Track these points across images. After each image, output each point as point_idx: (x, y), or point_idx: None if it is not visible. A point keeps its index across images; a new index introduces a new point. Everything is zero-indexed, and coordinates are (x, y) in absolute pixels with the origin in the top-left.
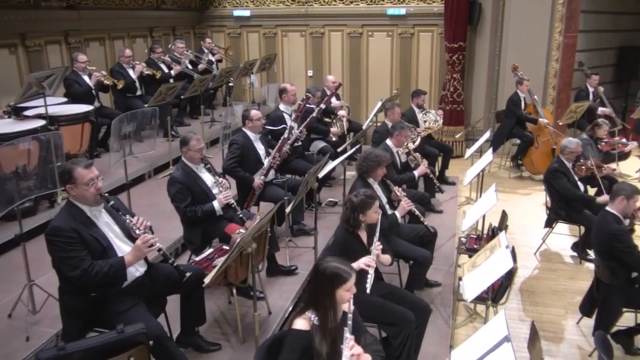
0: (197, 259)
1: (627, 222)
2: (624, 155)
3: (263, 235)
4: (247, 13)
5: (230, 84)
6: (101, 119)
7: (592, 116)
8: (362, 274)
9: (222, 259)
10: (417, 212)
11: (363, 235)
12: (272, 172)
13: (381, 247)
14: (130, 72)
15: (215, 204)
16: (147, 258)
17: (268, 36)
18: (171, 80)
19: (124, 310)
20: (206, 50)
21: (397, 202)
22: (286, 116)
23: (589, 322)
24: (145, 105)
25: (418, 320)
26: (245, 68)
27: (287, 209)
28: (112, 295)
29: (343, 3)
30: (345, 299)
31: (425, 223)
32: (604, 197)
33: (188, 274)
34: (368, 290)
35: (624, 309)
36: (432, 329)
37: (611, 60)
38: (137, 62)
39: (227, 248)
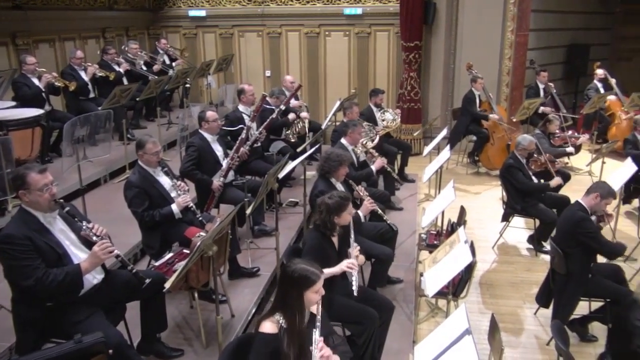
0: (157, 263)
1: (593, 218)
2: (575, 149)
3: (224, 238)
4: (202, 13)
5: (187, 85)
6: (52, 122)
7: (555, 109)
8: (339, 279)
9: (183, 263)
10: (380, 212)
11: (335, 240)
12: (231, 173)
13: (359, 248)
14: (83, 74)
15: (174, 207)
16: (104, 265)
17: (224, 36)
18: (125, 81)
19: (82, 319)
20: (161, 51)
21: (359, 201)
22: (245, 117)
23: (546, 312)
24: (99, 108)
25: (381, 317)
26: (202, 69)
27: (248, 211)
28: (69, 304)
29: (300, 3)
30: (314, 301)
31: (388, 221)
32: (556, 180)
33: (147, 281)
34: (355, 293)
35: (581, 298)
36: (395, 325)
37: (561, 58)
38: (90, 64)
39: (188, 252)
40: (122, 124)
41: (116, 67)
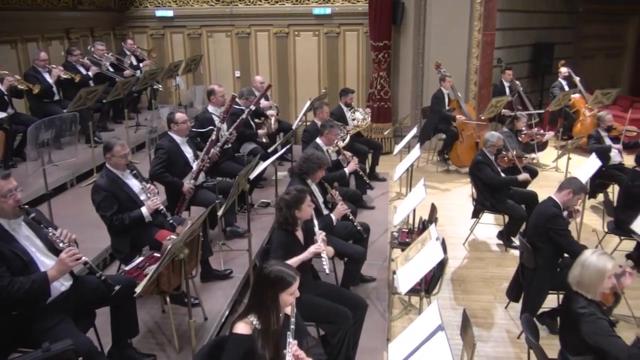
0: (127, 268)
1: (565, 214)
2: (542, 146)
3: (195, 240)
4: (169, 13)
5: (156, 87)
6: (16, 126)
7: (510, 109)
8: (311, 278)
9: (154, 267)
10: (352, 217)
11: (300, 235)
12: (202, 175)
13: (324, 234)
14: (47, 76)
15: (144, 210)
16: (72, 271)
17: (193, 37)
18: (91, 83)
19: (50, 327)
20: (128, 53)
21: (331, 205)
22: (215, 118)
23: (517, 306)
24: (64, 111)
25: (355, 316)
26: (170, 70)
27: (219, 212)
28: (36, 312)
29: (268, 3)
30: (289, 302)
31: (358, 227)
32: (524, 175)
33: (117, 288)
34: (327, 271)
35: (549, 292)
36: (369, 324)
37: (526, 57)
38: (54, 66)
39: (159, 255)
40: (89, 126)
41: (82, 70)
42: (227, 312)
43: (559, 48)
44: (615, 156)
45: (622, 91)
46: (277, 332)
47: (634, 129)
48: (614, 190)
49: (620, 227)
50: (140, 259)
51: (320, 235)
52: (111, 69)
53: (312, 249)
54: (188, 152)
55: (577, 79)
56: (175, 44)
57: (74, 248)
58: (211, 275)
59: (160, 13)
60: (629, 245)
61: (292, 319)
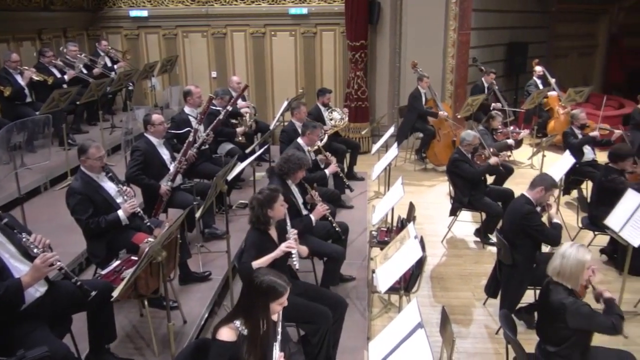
0: (104, 272)
1: (538, 209)
2: (517, 144)
3: (173, 243)
4: (144, 13)
5: (130, 88)
6: None
7: (487, 109)
8: (286, 259)
9: (131, 270)
10: (331, 217)
11: (273, 234)
12: (179, 177)
13: (296, 232)
14: (19, 78)
15: (121, 213)
16: (47, 276)
17: (168, 37)
18: (64, 86)
19: (25, 334)
20: (102, 53)
21: (310, 206)
22: (192, 119)
23: (495, 302)
24: (37, 113)
25: (335, 315)
26: (145, 71)
27: (197, 214)
28: (11, 319)
29: (244, 3)
30: (277, 311)
31: (337, 228)
32: (494, 159)
33: (93, 293)
34: (297, 266)
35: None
36: (349, 323)
37: (501, 56)
38: (26, 68)
39: (136, 258)
40: (62, 128)
41: (55, 71)
42: (206, 315)
43: (533, 47)
44: (588, 153)
45: (594, 89)
46: (264, 338)
47: (606, 126)
48: (587, 187)
49: (594, 223)
50: (117, 262)
51: (292, 233)
52: (85, 71)
53: (282, 247)
54: (165, 153)
55: (552, 80)
56: (150, 45)
57: (48, 253)
58: (190, 277)
59: (134, 13)
60: (602, 240)
61: (279, 329)
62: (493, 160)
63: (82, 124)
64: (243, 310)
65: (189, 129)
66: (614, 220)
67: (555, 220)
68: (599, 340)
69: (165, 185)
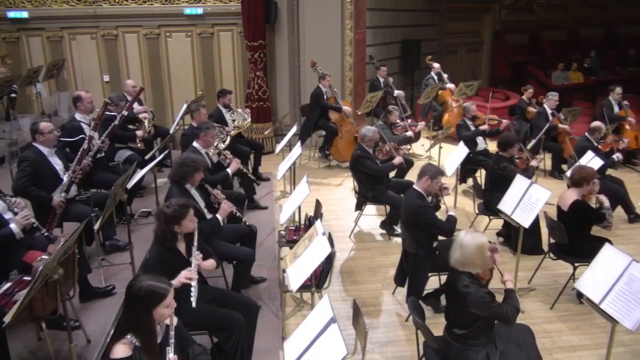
0: None
1: (430, 199)
2: (415, 137)
3: (70, 258)
4: (24, 14)
5: (13, 95)
6: None
7: (385, 104)
8: (185, 289)
9: (24, 292)
10: (239, 214)
11: (181, 247)
12: (74, 187)
13: (201, 255)
14: None
15: (14, 227)
16: None
17: (53, 40)
18: None
19: None
20: None
21: (217, 205)
22: (84, 126)
23: (404, 291)
24: None
25: (247, 319)
26: (28, 76)
27: (96, 226)
28: None
29: (136, 3)
30: (166, 315)
31: (247, 223)
32: (398, 159)
33: None
34: (194, 304)
35: (429, 274)
36: (263, 325)
37: (396, 53)
38: None
39: (29, 279)
40: None
41: None
42: (112, 331)
43: (426, 44)
44: (480, 143)
45: (482, 83)
46: (157, 346)
47: (494, 117)
48: (481, 175)
49: (488, 208)
50: (8, 284)
51: (197, 257)
52: None
53: (182, 277)
54: (57, 163)
55: (445, 76)
56: (33, 48)
57: None
58: (91, 293)
59: (12, 14)
60: (497, 223)
61: (172, 333)
62: (397, 160)
63: None
64: (129, 322)
65: (82, 136)
66: (506, 204)
67: (451, 212)
68: None
69: (58, 196)
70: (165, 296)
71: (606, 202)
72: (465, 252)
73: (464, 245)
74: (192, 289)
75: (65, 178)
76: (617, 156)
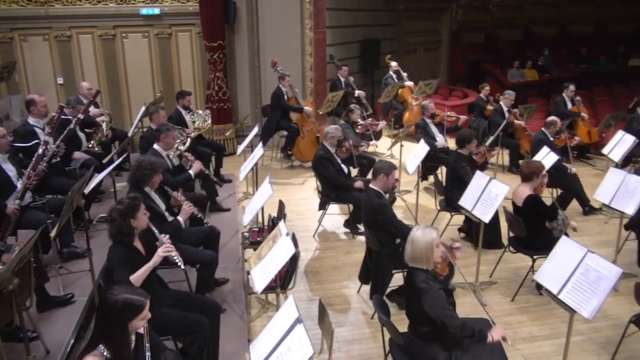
0: None
1: (387, 195)
2: (376, 135)
3: (26, 267)
4: None
5: None
6: None
7: (346, 103)
8: (159, 288)
9: None
10: (200, 215)
11: (139, 245)
12: (28, 194)
13: (168, 235)
14: None
15: None
16: None
17: (3, 41)
18: None
19: None
20: None
21: (177, 208)
22: (38, 130)
23: (368, 289)
24: None
25: (211, 322)
26: None
27: (52, 233)
28: None
29: (90, 3)
30: (140, 326)
31: (209, 224)
32: (359, 183)
33: None
34: (182, 266)
35: (394, 271)
36: (228, 327)
37: (356, 53)
38: None
39: None
40: None
41: None
42: (72, 341)
43: (385, 44)
44: (440, 140)
45: (441, 81)
46: (130, 356)
47: (453, 114)
48: (442, 172)
49: (450, 204)
50: None
51: (164, 237)
52: None
53: (160, 252)
54: (10, 169)
55: (404, 74)
56: None
57: None
58: (49, 303)
59: None
60: (459, 219)
61: (147, 344)
62: (358, 184)
63: None
64: (102, 334)
65: (36, 141)
66: (466, 200)
67: None
68: (459, 311)
69: (12, 204)
70: (143, 308)
71: (568, 220)
72: (415, 247)
73: (414, 240)
74: (175, 257)
75: (19, 185)
76: (570, 169)
